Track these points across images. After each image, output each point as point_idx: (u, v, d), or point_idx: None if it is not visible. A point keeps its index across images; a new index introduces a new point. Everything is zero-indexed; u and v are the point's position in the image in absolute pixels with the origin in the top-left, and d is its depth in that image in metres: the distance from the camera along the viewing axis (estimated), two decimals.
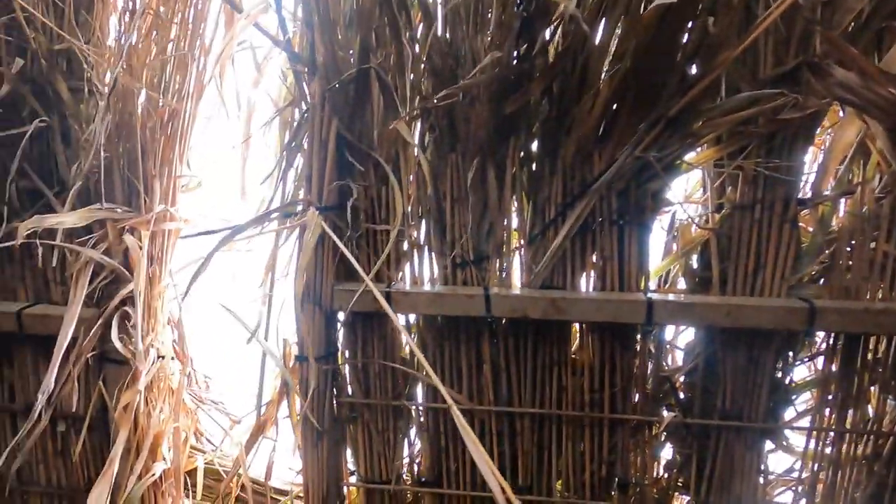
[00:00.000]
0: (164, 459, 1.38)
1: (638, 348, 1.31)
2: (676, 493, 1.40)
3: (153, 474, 1.36)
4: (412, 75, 1.24)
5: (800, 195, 1.20)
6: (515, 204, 1.30)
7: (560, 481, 1.38)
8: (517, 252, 1.33)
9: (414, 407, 1.39)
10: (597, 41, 1.11)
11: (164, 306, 1.43)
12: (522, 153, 1.28)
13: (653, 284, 1.37)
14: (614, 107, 1.18)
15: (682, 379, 1.34)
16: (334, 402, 1.40)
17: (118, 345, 1.29)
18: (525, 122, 1.24)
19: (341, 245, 1.13)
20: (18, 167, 1.30)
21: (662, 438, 1.35)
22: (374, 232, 1.33)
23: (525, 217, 1.31)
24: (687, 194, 1.41)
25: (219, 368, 1.65)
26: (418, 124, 1.29)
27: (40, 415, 1.23)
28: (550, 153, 1.26)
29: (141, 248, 1.24)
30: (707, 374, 1.29)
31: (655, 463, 1.39)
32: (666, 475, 1.40)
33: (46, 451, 1.52)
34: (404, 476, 1.47)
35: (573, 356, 1.34)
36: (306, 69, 1.22)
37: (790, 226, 1.20)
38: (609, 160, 1.22)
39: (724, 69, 1.10)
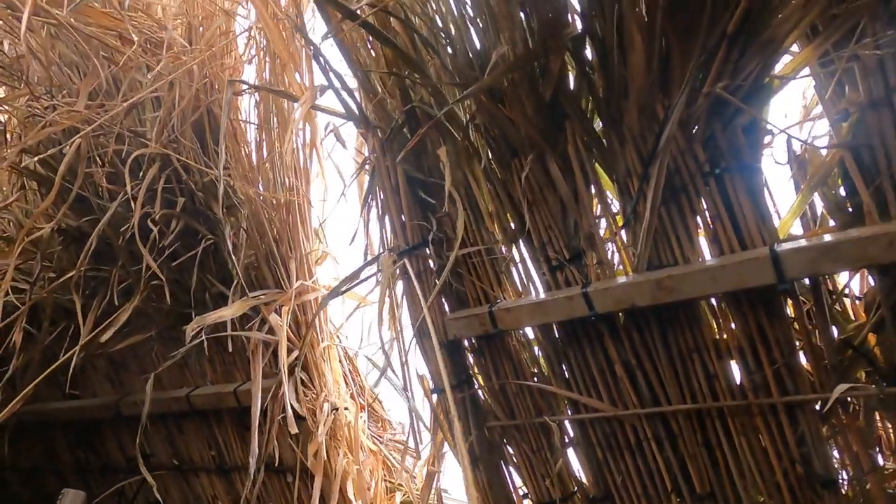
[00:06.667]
0: (355, 499, 1.47)
1: (792, 311, 1.00)
2: None
3: None
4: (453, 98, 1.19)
5: None
6: (594, 189, 1.13)
7: (743, 484, 1.11)
8: (616, 239, 1.15)
9: (555, 423, 1.26)
10: None
11: (330, 363, 1.56)
12: (586, 137, 1.11)
13: (800, 230, 1.06)
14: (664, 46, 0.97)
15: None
16: (484, 427, 1.34)
17: (296, 405, 1.44)
18: (573, 103, 1.09)
19: (415, 281, 1.10)
20: (205, 278, 1.55)
21: (862, 418, 0.99)
22: (471, 256, 1.28)
23: (614, 200, 1.13)
24: (807, 108, 1.06)
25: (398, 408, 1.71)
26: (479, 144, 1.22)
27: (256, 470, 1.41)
28: (614, 124, 1.08)
29: (281, 324, 1.38)
30: None
31: (871, 450, 1.03)
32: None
33: (301, 501, 1.73)
34: (576, 494, 1.33)
35: (715, 337, 1.09)
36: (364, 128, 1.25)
37: None
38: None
39: None
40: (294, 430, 1.34)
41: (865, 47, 0.85)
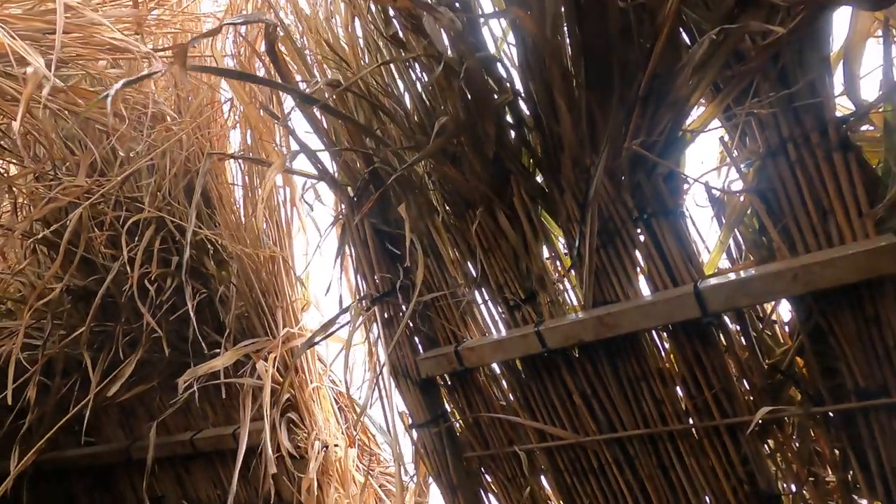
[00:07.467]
0: None
1: (722, 339, 1.09)
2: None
3: None
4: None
5: (837, 113, 0.91)
6: (543, 234, 1.23)
7: (698, 503, 1.18)
8: (568, 278, 1.24)
9: (524, 452, 1.34)
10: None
11: (320, 403, 1.65)
12: (530, 188, 1.22)
13: (728, 264, 1.14)
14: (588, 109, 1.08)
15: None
16: (462, 458, 1.43)
17: (287, 444, 1.53)
18: (514, 159, 1.19)
19: (380, 329, 1.20)
20: (201, 329, 1.66)
21: (796, 436, 1.07)
22: (438, 300, 1.37)
23: (562, 244, 1.23)
24: (723, 154, 1.16)
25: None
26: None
27: None
28: (553, 176, 1.18)
29: (267, 370, 1.48)
30: (819, 351, 1.01)
31: (809, 466, 1.10)
32: (834, 478, 1.09)
33: None
34: None
35: (660, 366, 1.17)
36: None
37: (841, 152, 0.92)
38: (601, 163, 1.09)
39: (672, 19, 0.94)
40: (273, 469, 1.43)
41: (759, 104, 0.95)
